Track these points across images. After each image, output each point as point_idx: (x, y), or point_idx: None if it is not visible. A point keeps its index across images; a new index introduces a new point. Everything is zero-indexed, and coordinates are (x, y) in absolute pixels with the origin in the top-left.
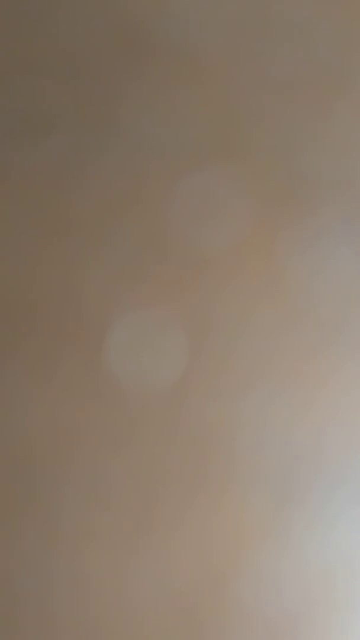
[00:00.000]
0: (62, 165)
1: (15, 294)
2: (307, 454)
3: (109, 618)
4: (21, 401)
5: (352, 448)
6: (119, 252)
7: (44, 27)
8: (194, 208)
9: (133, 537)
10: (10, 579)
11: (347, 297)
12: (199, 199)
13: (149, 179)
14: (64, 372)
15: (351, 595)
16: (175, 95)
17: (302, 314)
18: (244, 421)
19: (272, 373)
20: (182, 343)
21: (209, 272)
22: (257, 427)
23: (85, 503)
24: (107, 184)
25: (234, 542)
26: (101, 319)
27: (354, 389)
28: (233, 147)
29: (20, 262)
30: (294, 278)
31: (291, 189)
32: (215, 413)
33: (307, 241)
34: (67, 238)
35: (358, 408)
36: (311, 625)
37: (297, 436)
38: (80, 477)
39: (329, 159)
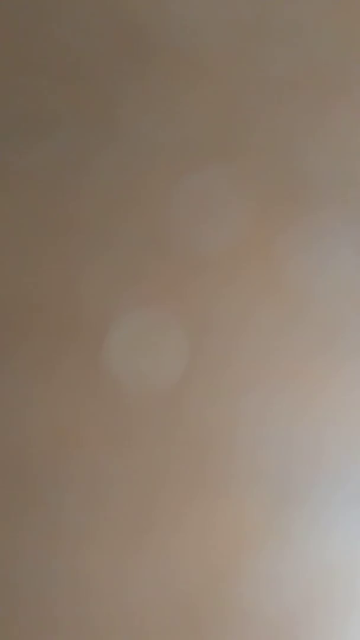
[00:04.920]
0: (62, 165)
1: (15, 293)
2: (307, 454)
3: (109, 618)
4: (21, 401)
5: (352, 448)
6: (119, 252)
7: (44, 27)
8: (194, 208)
9: (133, 537)
10: (10, 579)
11: (347, 297)
12: (199, 199)
13: (149, 178)
14: (63, 372)
15: (351, 595)
16: (175, 95)
17: (302, 314)
18: (244, 421)
19: (272, 373)
20: (182, 343)
21: (209, 272)
22: (257, 427)
23: (85, 503)
24: (107, 184)
25: (233, 542)
26: (101, 319)
27: (354, 389)
28: (233, 147)
29: (20, 262)
30: (294, 278)
31: (291, 189)
32: (215, 413)
33: (307, 241)
34: (67, 238)
35: (358, 408)
36: (311, 625)
37: (297, 436)
38: (80, 477)
39: (329, 159)
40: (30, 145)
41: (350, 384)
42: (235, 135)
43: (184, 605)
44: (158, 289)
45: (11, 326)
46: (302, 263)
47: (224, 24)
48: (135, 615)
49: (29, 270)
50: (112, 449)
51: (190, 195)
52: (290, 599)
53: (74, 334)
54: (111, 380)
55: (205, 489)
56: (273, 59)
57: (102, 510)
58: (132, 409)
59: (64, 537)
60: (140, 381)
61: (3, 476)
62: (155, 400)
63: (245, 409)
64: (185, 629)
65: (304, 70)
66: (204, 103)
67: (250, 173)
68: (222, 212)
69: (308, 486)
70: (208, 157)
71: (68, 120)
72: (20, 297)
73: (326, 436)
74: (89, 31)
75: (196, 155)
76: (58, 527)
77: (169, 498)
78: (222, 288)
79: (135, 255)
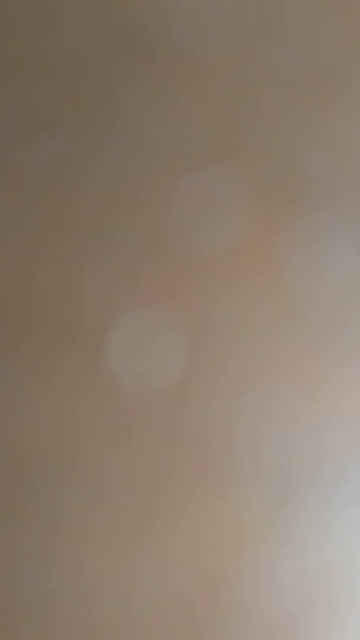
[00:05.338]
0: (62, 165)
1: (15, 293)
2: (307, 454)
3: (108, 618)
4: (21, 401)
5: (352, 448)
6: (119, 252)
7: (44, 27)
8: (194, 208)
9: (133, 537)
10: (10, 579)
11: (347, 297)
12: (198, 199)
13: (148, 178)
14: (63, 372)
15: (351, 595)
16: (175, 96)
17: (302, 314)
18: (244, 421)
19: (272, 373)
20: (182, 343)
21: (208, 272)
22: (257, 427)
23: (85, 503)
24: (106, 184)
25: (233, 541)
26: (101, 319)
27: (354, 389)
28: (233, 147)
29: (20, 262)
30: (294, 278)
31: (291, 188)
32: (215, 413)
33: (307, 241)
34: (67, 238)
35: (358, 408)
36: (311, 625)
37: (297, 436)
38: (80, 477)
39: (329, 159)
40: (30, 145)
41: (350, 384)
42: (235, 135)
43: (183, 605)
44: (158, 289)
45: (11, 326)
46: (302, 263)
47: (224, 24)
48: (135, 615)
49: (29, 270)
50: (112, 448)
51: (190, 195)
52: (290, 599)
53: (74, 334)
54: (111, 380)
55: (205, 488)
56: (273, 59)
57: (101, 511)
58: (132, 409)
59: (63, 537)
60: (140, 381)
61: (3, 476)
62: (155, 400)
63: (245, 409)
64: (185, 629)
65: (304, 70)
66: (204, 103)
67: (250, 173)
68: (222, 212)
69: (308, 486)
70: (208, 157)
71: (68, 120)
72: (20, 297)
73: (326, 436)
74: (89, 31)
75: (196, 155)
76: (58, 527)
77: (169, 498)
78: (222, 288)
79: (135, 255)
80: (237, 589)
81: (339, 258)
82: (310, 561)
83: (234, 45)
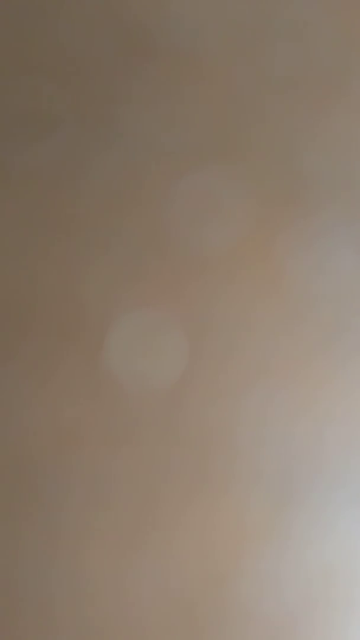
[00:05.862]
0: (62, 165)
1: (15, 294)
2: (307, 454)
3: (109, 618)
4: (21, 401)
5: (352, 448)
6: (119, 252)
7: (44, 27)
8: (194, 208)
9: (133, 537)
10: (11, 579)
11: (347, 297)
12: (199, 199)
13: (149, 178)
14: (64, 372)
15: (351, 595)
16: (175, 95)
17: (302, 314)
18: (244, 421)
19: (272, 373)
20: (182, 343)
21: (209, 272)
22: (257, 427)
23: (86, 503)
24: (107, 184)
25: (234, 541)
26: (101, 319)
27: (354, 389)
28: (233, 147)
29: (20, 262)
30: (294, 278)
31: (291, 189)
32: (215, 413)
33: (307, 241)
34: (67, 238)
35: (358, 408)
36: (311, 625)
37: (297, 436)
38: (81, 476)
39: (329, 159)
40: (30, 145)
41: (350, 384)
42: (235, 135)
43: (184, 604)
44: (158, 289)
45: (11, 326)
46: (302, 263)
47: (224, 24)
48: (135, 615)
49: (29, 270)
50: (112, 449)
51: (190, 196)
52: (290, 599)
53: (74, 334)
54: (111, 380)
55: (205, 488)
56: (273, 59)
57: (102, 511)
58: (132, 409)
59: (64, 537)
60: (140, 381)
61: (3, 476)
62: (155, 400)
63: (245, 409)
64: (185, 629)
65: (304, 70)
66: (204, 103)
67: (250, 173)
68: (222, 212)
69: (308, 486)
70: (208, 157)
71: (68, 120)
72: (20, 297)
73: (326, 436)
74: (90, 31)
75: (196, 155)
76: (58, 527)
77: (169, 498)
78: (222, 288)
79: (135, 255)
80: (237, 588)
81: (339, 258)
82: (310, 561)
83: (234, 45)
